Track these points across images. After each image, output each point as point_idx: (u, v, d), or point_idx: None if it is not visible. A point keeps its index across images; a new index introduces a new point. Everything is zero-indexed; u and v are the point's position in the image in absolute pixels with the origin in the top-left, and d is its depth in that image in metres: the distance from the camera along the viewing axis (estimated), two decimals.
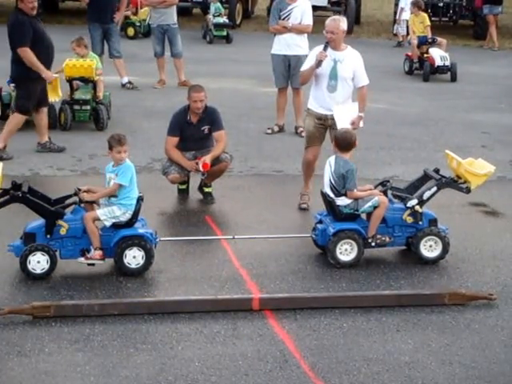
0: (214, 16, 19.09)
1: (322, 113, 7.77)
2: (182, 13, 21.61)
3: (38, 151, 9.59)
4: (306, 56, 10.30)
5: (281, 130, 10.99)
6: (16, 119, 9.51)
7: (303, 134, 10.40)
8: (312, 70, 7.71)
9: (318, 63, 7.61)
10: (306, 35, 10.69)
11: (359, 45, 19.58)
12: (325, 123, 7.77)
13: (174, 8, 13.84)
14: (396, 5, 20.97)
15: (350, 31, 21.24)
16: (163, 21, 13.56)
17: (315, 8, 22.45)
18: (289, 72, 10.76)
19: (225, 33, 19.12)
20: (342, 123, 7.53)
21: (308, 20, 10.61)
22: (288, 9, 10.55)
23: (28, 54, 9.17)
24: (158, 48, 13.70)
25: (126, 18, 18.89)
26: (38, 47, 9.22)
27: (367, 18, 24.32)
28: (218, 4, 19.53)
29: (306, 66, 7.85)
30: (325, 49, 7.64)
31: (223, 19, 19.28)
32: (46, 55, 9.31)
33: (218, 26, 19.02)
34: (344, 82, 7.70)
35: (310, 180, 8.13)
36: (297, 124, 10.94)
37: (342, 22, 7.74)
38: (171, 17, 13.60)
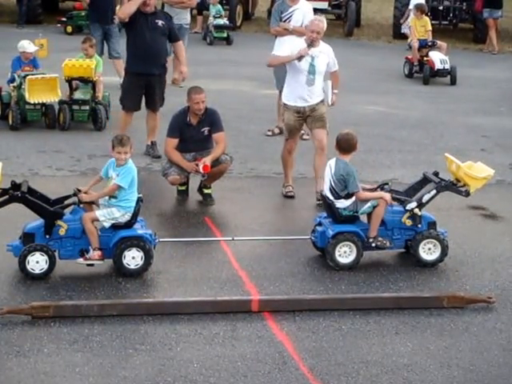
0: (215, 18, 19.09)
1: (300, 105, 8.29)
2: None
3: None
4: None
5: (281, 132, 10.96)
6: (122, 116, 9.64)
7: (304, 137, 10.43)
8: (289, 60, 8.26)
9: (300, 58, 8.11)
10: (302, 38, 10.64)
11: (359, 47, 19.71)
12: (303, 115, 8.31)
13: (188, 9, 13.82)
14: (396, 8, 20.96)
15: (350, 34, 21.35)
16: (176, 20, 13.53)
17: (316, 11, 22.55)
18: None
19: (225, 34, 19.12)
20: (329, 98, 8.42)
21: (307, 22, 10.56)
22: (289, 11, 10.50)
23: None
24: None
25: None
26: (130, 41, 9.37)
27: (367, 21, 24.32)
28: (219, 6, 19.52)
29: (281, 51, 8.67)
30: (309, 47, 8.14)
31: (223, 21, 19.28)
32: (137, 51, 9.29)
33: (219, 28, 19.02)
34: (320, 75, 8.33)
35: (291, 172, 8.66)
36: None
37: (324, 22, 8.36)
38: (185, 17, 13.59)
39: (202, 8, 20.45)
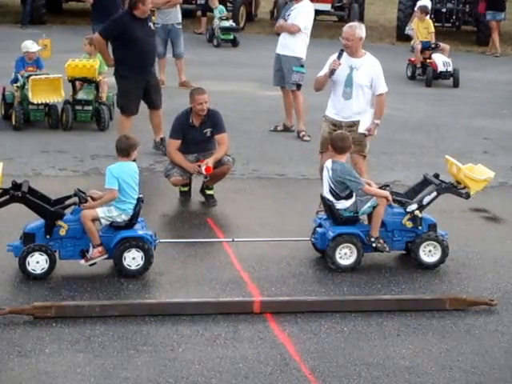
0: (222, 19, 19.08)
1: (337, 119, 7.68)
2: (186, 15, 21.59)
3: None
4: (294, 57, 10.54)
5: (285, 129, 11.04)
6: (119, 119, 9.67)
7: (305, 138, 10.43)
8: (325, 78, 7.68)
9: (331, 72, 7.57)
10: (300, 37, 10.70)
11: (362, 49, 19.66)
12: (339, 129, 7.55)
13: (178, 8, 13.89)
14: (400, 10, 20.95)
15: None
16: (168, 20, 13.62)
17: (318, 12, 22.58)
18: (283, 72, 10.88)
19: (231, 36, 19.11)
20: (362, 127, 7.61)
21: (296, 21, 10.66)
22: (291, 9, 10.82)
23: (99, 42, 9.45)
24: (161, 49, 13.72)
25: None
26: (128, 48, 9.17)
27: (370, 23, 24.26)
28: (222, 7, 19.53)
29: (321, 72, 7.78)
30: (339, 57, 7.58)
31: (230, 23, 19.27)
32: (136, 59, 9.19)
33: (225, 30, 19.01)
34: (360, 89, 7.60)
35: None
36: (298, 128, 10.94)
37: (359, 29, 7.61)
38: (176, 17, 13.68)
39: (206, 9, 20.46)
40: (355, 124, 7.62)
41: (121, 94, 9.51)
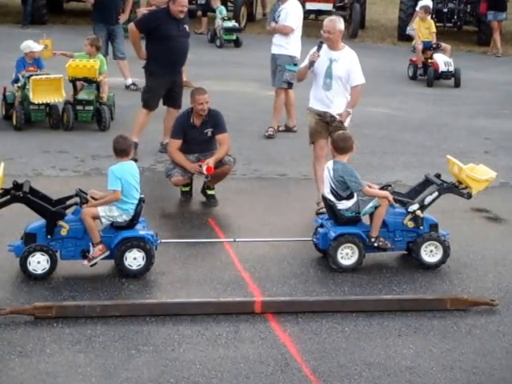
0: (224, 20, 19.07)
1: (320, 109, 7.98)
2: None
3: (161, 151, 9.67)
4: (288, 56, 10.64)
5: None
6: (141, 115, 9.71)
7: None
8: (305, 69, 8.02)
9: (311, 63, 7.89)
10: (293, 36, 10.77)
11: (364, 49, 19.62)
12: (323, 119, 7.97)
13: None
14: (401, 10, 20.94)
15: (354, 35, 21.32)
16: None
17: (320, 12, 22.60)
18: (274, 73, 11.00)
19: (234, 37, 19.11)
20: (334, 111, 7.93)
21: (288, 21, 10.75)
22: (278, 10, 10.91)
23: (133, 33, 9.40)
24: None
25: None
26: (160, 45, 9.24)
27: (372, 23, 24.29)
28: (222, 7, 19.52)
29: (303, 63, 8.14)
30: (318, 49, 7.87)
31: (233, 23, 19.25)
32: (166, 55, 9.25)
33: (228, 30, 18.98)
34: (338, 80, 7.89)
35: (322, 184, 7.63)
36: (287, 123, 11.14)
37: (339, 23, 7.92)
38: None
39: (207, 9, 20.45)
40: (335, 115, 7.92)
41: (147, 89, 9.61)
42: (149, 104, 9.54)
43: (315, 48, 7.90)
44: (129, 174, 6.40)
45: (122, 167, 6.40)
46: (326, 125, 7.97)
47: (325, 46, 7.87)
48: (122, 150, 6.45)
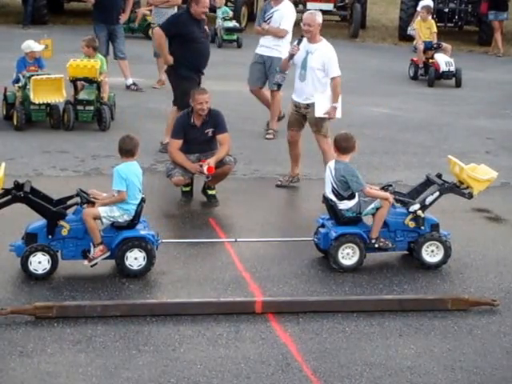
0: (225, 20, 19.06)
1: (296, 100, 8.46)
2: None
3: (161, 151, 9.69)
4: (280, 58, 10.45)
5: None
6: (172, 113, 9.70)
7: (268, 137, 10.58)
8: (286, 62, 8.61)
9: (290, 56, 8.38)
10: (286, 39, 10.68)
11: (364, 49, 19.69)
12: (299, 110, 8.43)
13: (175, 9, 13.87)
14: (402, 9, 20.94)
15: (355, 35, 21.32)
16: (164, 20, 13.60)
17: (321, 12, 22.54)
18: (265, 73, 10.87)
19: (235, 37, 19.10)
20: (320, 111, 8.24)
21: (284, 25, 10.66)
22: (270, 12, 10.73)
23: (160, 37, 9.43)
24: None
25: (145, 19, 18.93)
26: (185, 47, 9.27)
27: (373, 23, 24.30)
28: (225, 8, 19.51)
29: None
30: (298, 43, 8.29)
31: (233, 23, 19.25)
32: (192, 58, 9.31)
33: (229, 31, 18.98)
34: (313, 72, 8.24)
35: (295, 165, 8.72)
36: (270, 125, 10.96)
37: (318, 16, 8.35)
38: None
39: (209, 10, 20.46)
40: (309, 106, 8.31)
41: (181, 94, 9.38)
42: (182, 105, 9.35)
43: (296, 42, 8.35)
44: (133, 174, 6.42)
45: (128, 167, 6.41)
46: (301, 117, 8.46)
47: (304, 39, 8.28)
48: (128, 150, 6.45)
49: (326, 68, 8.22)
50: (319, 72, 8.24)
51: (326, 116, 8.28)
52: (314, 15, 8.31)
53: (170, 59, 9.42)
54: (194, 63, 9.37)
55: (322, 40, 8.37)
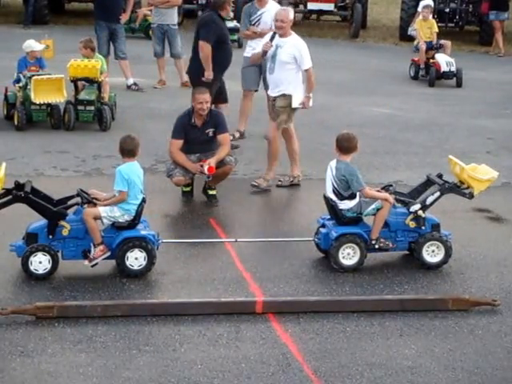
0: (226, 20, 19.04)
1: (267, 92, 8.81)
2: (188, 15, 21.61)
3: None
4: None
5: (242, 136, 10.63)
6: None
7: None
8: (258, 56, 8.78)
9: (264, 53, 8.51)
10: None
11: (365, 49, 19.68)
12: (269, 100, 8.73)
13: (175, 9, 13.90)
14: (402, 9, 20.94)
15: (356, 35, 21.32)
16: (163, 21, 13.64)
17: (322, 12, 22.56)
18: (259, 76, 10.68)
19: (235, 37, 19.10)
20: (295, 102, 8.48)
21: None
22: (258, 14, 10.55)
23: (207, 50, 9.47)
24: (158, 48, 13.77)
25: (146, 19, 18.95)
26: (220, 50, 9.51)
27: (373, 23, 24.30)
28: (292, 13, 19.49)
29: (256, 50, 9.02)
30: (271, 39, 8.47)
31: (234, 23, 19.25)
32: (225, 60, 9.65)
33: (229, 31, 18.93)
34: (282, 65, 8.39)
35: (294, 164, 8.91)
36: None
37: (291, 12, 8.67)
38: (171, 17, 13.70)
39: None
40: (276, 98, 8.48)
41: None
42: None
43: (268, 38, 8.55)
44: (135, 174, 6.43)
45: (130, 168, 6.41)
46: (272, 107, 8.65)
47: (276, 35, 8.46)
48: (129, 150, 6.46)
49: (299, 61, 8.39)
50: (289, 65, 8.40)
51: (301, 107, 8.52)
52: (288, 12, 8.57)
53: (211, 72, 9.46)
54: (225, 63, 9.64)
55: (292, 34, 8.53)
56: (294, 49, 8.40)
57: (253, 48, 10.55)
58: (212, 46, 9.42)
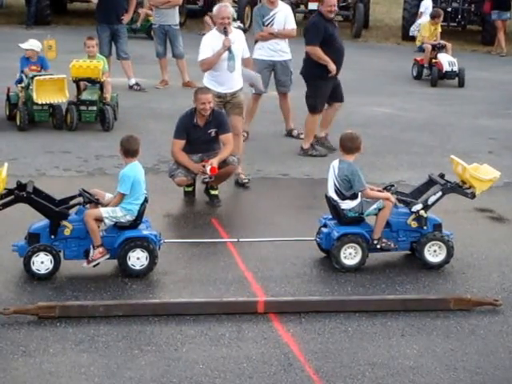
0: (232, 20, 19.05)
1: (223, 92, 8.60)
2: (191, 15, 21.63)
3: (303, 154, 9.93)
4: (291, 60, 10.61)
5: (247, 137, 10.55)
6: (310, 119, 10.00)
7: (301, 136, 10.48)
8: (219, 56, 8.49)
9: (228, 49, 8.44)
10: (287, 40, 10.68)
11: (367, 49, 19.68)
12: (224, 100, 8.60)
13: (177, 9, 13.91)
14: (405, 9, 20.94)
15: (358, 35, 21.31)
16: (165, 21, 13.66)
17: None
18: (272, 78, 10.77)
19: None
20: (261, 86, 9.43)
21: (292, 24, 10.66)
22: (271, 14, 10.55)
23: (317, 52, 9.65)
24: (160, 48, 13.78)
25: (148, 19, 18.96)
26: (328, 48, 9.64)
27: (375, 23, 24.30)
28: (232, 9, 19.51)
29: (206, 53, 8.55)
30: (226, 35, 8.48)
31: (238, 24, 19.24)
32: (335, 57, 9.71)
33: None
34: (238, 59, 8.63)
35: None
36: (290, 127, 10.96)
37: (231, 8, 9.00)
38: (173, 18, 13.72)
39: (206, 10, 20.54)
40: (237, 92, 8.65)
41: (315, 94, 9.86)
42: (318, 109, 9.94)
43: (214, 35, 8.60)
44: (138, 175, 6.46)
45: (133, 169, 6.44)
46: (225, 105, 8.61)
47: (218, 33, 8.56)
48: (134, 150, 6.49)
49: (244, 51, 8.83)
50: (240, 59, 8.69)
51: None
52: (229, 7, 8.81)
53: (334, 67, 9.64)
54: (337, 61, 9.70)
55: (233, 28, 8.77)
56: (242, 42, 8.73)
57: (265, 49, 10.60)
58: (321, 46, 9.62)
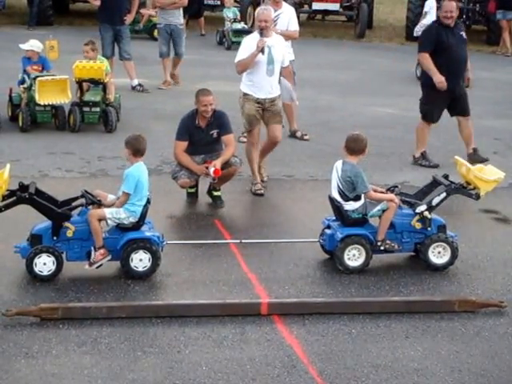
0: (235, 21, 19.06)
1: (261, 97, 8.48)
2: (194, 15, 21.61)
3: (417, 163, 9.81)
4: (293, 60, 10.40)
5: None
6: (420, 126, 9.93)
7: (306, 138, 10.46)
8: (254, 58, 8.33)
9: (262, 50, 8.29)
10: (290, 41, 10.60)
11: (371, 49, 19.65)
12: (263, 106, 8.50)
13: (181, 9, 13.99)
14: (409, 9, 20.90)
15: (362, 35, 21.29)
16: (171, 21, 13.71)
17: (328, 12, 22.55)
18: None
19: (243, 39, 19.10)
20: (287, 98, 9.04)
21: (295, 26, 10.64)
22: (275, 15, 10.52)
23: (425, 60, 9.52)
24: (164, 49, 13.80)
25: (151, 19, 18.97)
26: (440, 57, 9.40)
27: (379, 23, 24.27)
28: (235, 9, 19.52)
29: (242, 55, 8.44)
30: (262, 36, 8.37)
31: (241, 25, 19.23)
32: (447, 67, 9.39)
33: (237, 33, 18.93)
34: (278, 64, 8.50)
35: (257, 167, 8.67)
36: (293, 128, 10.89)
37: (272, 12, 8.80)
38: (178, 17, 13.82)
39: (213, 10, 20.52)
40: (276, 98, 8.53)
41: (425, 102, 9.83)
42: (428, 117, 9.85)
43: (253, 36, 8.45)
44: (143, 176, 6.45)
45: (138, 169, 6.44)
46: (263, 112, 8.52)
47: (258, 35, 8.42)
48: (143, 149, 6.51)
49: (283, 58, 8.62)
50: (281, 64, 8.56)
51: (297, 102, 9.26)
52: (269, 11, 8.62)
53: (441, 77, 9.37)
54: (449, 71, 9.39)
55: (273, 33, 8.68)
56: (282, 47, 8.60)
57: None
58: (432, 53, 9.45)
